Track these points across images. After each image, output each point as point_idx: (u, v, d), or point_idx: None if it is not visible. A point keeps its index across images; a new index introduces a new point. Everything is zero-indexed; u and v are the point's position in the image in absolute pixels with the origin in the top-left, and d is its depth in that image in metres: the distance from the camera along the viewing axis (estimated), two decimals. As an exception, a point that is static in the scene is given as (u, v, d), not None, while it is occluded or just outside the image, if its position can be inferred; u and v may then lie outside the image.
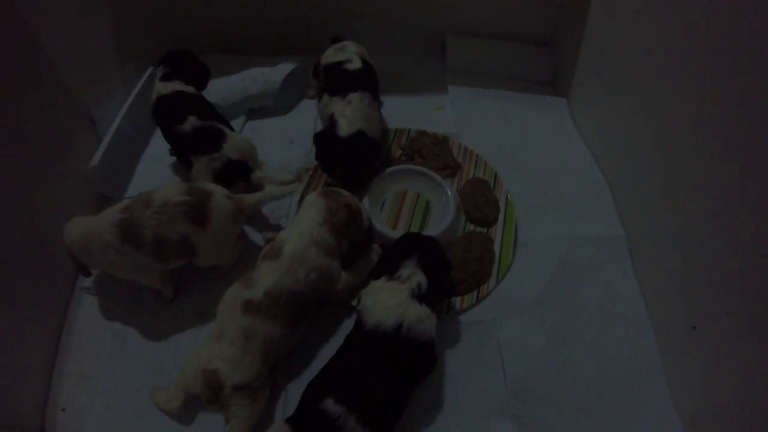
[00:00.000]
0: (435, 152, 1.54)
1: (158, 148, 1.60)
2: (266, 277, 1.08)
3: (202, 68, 1.53)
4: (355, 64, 1.47)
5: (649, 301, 1.25)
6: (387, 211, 1.41)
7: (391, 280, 1.06)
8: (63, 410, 1.12)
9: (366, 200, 1.37)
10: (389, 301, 1.02)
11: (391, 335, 0.98)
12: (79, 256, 1.15)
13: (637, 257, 1.32)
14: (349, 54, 1.50)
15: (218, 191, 1.19)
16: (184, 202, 1.13)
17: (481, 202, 1.41)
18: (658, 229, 1.25)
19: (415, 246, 1.11)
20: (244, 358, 1.02)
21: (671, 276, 1.18)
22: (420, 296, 1.03)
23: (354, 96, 1.38)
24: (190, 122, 1.35)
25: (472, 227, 1.40)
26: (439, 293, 1.09)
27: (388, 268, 1.09)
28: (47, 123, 1.29)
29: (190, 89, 1.44)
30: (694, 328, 1.08)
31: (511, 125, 1.68)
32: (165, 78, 1.43)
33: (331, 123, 1.38)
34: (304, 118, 1.71)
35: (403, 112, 1.71)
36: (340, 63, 1.48)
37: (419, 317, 1.01)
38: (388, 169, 1.45)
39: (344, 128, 1.34)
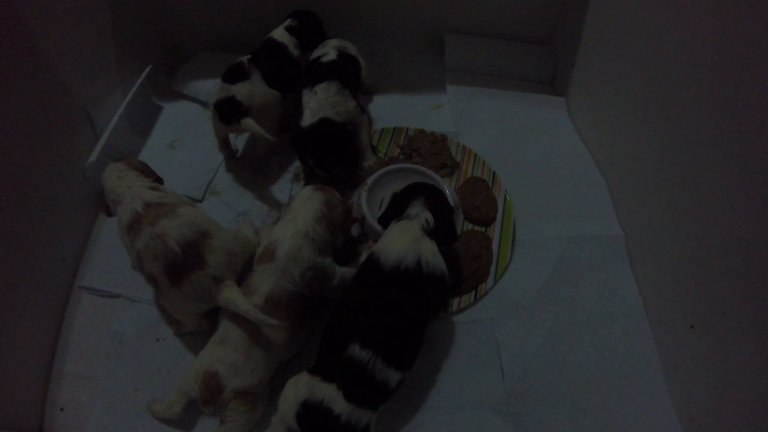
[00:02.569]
0: (433, 151, 1.54)
1: (156, 145, 1.61)
2: (264, 282, 1.07)
3: (319, 34, 1.64)
4: (329, 56, 1.51)
5: (647, 300, 1.26)
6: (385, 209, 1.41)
7: (400, 220, 1.10)
8: (61, 410, 1.12)
9: (364, 198, 1.37)
10: (403, 238, 1.05)
11: (413, 271, 1.01)
12: (106, 198, 1.17)
13: (635, 256, 1.32)
14: (327, 48, 1.54)
15: (212, 267, 1.07)
16: (171, 252, 1.05)
17: (480, 201, 1.41)
18: (656, 228, 1.26)
19: (421, 189, 1.16)
20: (246, 364, 1.02)
21: (669, 275, 1.19)
22: (429, 231, 1.07)
23: (320, 86, 1.41)
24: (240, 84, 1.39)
25: (470, 226, 1.40)
26: (443, 234, 1.12)
27: (395, 212, 1.14)
28: (45, 121, 1.29)
29: (295, 51, 1.54)
30: (692, 327, 1.08)
31: (510, 124, 1.68)
32: (287, 28, 1.56)
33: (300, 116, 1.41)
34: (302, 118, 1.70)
35: (402, 110, 1.71)
36: (318, 57, 1.52)
37: (433, 251, 1.05)
38: (386, 168, 1.45)
39: (306, 119, 1.37)
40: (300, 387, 0.95)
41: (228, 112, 1.38)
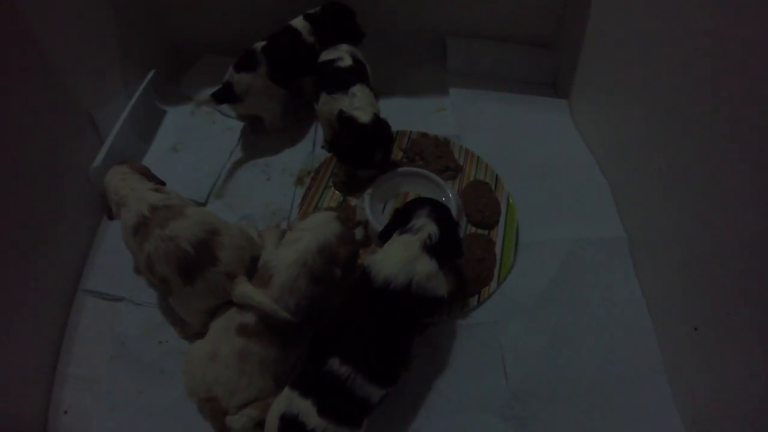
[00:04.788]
0: (436, 154, 1.54)
1: (159, 149, 1.62)
2: (259, 296, 1.04)
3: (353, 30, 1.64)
4: (347, 62, 1.51)
5: (650, 302, 1.25)
6: (388, 213, 1.41)
7: (403, 233, 1.07)
8: (65, 412, 1.12)
9: (367, 202, 1.37)
10: (400, 255, 1.01)
11: (402, 292, 0.98)
12: (109, 200, 1.17)
13: (639, 258, 1.32)
14: (340, 52, 1.54)
15: (224, 263, 1.09)
16: (184, 252, 1.06)
17: (483, 204, 1.41)
18: (659, 230, 1.25)
19: (426, 201, 1.13)
20: (241, 379, 0.99)
21: (673, 277, 1.18)
22: (431, 248, 1.03)
23: (355, 88, 1.43)
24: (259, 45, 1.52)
25: (473, 229, 1.40)
26: (448, 248, 1.09)
27: (399, 223, 1.10)
28: (49, 125, 1.29)
29: (309, 38, 1.58)
30: (696, 329, 1.08)
31: (512, 127, 1.68)
32: (305, 15, 1.60)
33: (344, 121, 1.40)
34: (305, 122, 1.71)
35: (404, 113, 1.70)
36: (332, 61, 1.52)
37: (428, 274, 1.01)
38: (390, 172, 1.45)
39: (362, 117, 1.38)
40: (281, 399, 0.95)
41: (222, 96, 1.50)
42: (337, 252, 1.11)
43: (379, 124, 1.40)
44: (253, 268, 1.15)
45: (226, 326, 1.05)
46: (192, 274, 1.07)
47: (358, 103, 1.40)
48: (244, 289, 1.06)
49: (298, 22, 1.58)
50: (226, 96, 1.50)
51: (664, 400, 1.12)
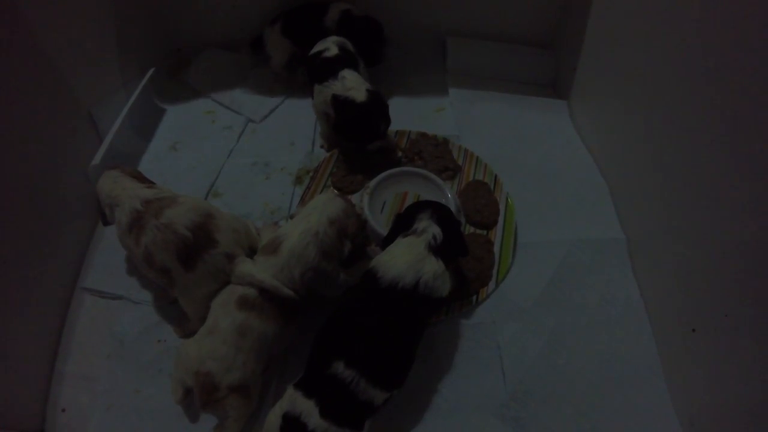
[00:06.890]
0: (435, 154, 1.54)
1: (159, 148, 1.62)
2: (261, 274, 1.06)
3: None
4: (332, 51, 1.54)
5: (648, 303, 1.26)
6: (387, 213, 1.41)
7: (407, 236, 1.07)
8: (63, 411, 1.12)
9: (366, 201, 1.37)
10: (406, 255, 1.02)
11: (408, 292, 0.99)
12: (103, 205, 1.17)
13: (637, 260, 1.32)
14: (327, 44, 1.57)
15: (223, 244, 1.09)
16: (182, 238, 1.06)
17: (481, 205, 1.41)
18: (658, 231, 1.25)
19: (427, 204, 1.14)
20: (237, 356, 1.00)
21: (671, 279, 1.18)
22: (436, 248, 1.04)
23: (345, 72, 1.46)
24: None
25: (472, 230, 1.40)
26: (452, 247, 1.09)
27: (402, 227, 1.10)
28: (48, 123, 1.29)
29: (329, 23, 1.70)
30: (694, 330, 1.08)
31: (512, 127, 1.68)
32: (343, 11, 1.71)
33: (341, 103, 1.43)
34: (305, 121, 1.72)
35: (404, 113, 1.70)
36: (320, 53, 1.55)
37: (435, 273, 1.01)
38: (389, 171, 1.45)
39: (358, 96, 1.42)
40: (284, 399, 0.95)
41: (255, 43, 1.81)
42: (346, 224, 1.14)
43: (374, 97, 1.43)
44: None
45: (226, 299, 1.06)
46: (192, 258, 1.07)
47: (350, 83, 1.43)
48: (244, 268, 1.07)
49: (333, 10, 1.69)
50: (256, 44, 1.79)
51: (661, 401, 1.12)
